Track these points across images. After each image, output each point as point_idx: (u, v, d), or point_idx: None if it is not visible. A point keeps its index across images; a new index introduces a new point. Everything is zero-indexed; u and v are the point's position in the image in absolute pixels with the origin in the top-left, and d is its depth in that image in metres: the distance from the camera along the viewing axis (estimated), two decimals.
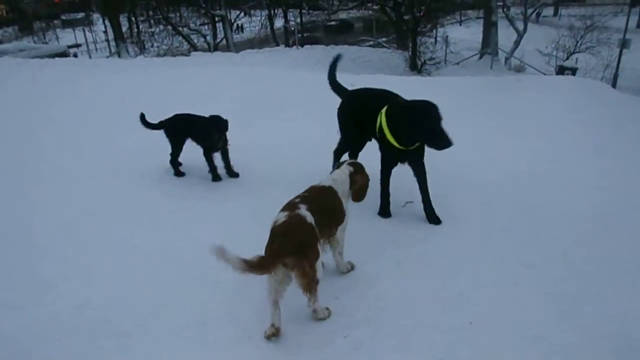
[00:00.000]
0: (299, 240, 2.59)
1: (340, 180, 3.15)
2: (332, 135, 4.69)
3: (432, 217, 4.05)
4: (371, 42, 28.00)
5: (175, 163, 5.05)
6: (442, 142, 3.54)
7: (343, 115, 4.57)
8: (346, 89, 4.71)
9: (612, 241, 3.82)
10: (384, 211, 4.18)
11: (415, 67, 20.07)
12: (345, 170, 3.23)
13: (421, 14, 20.63)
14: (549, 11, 40.83)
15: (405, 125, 3.66)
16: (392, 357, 2.62)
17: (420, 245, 3.71)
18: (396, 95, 4.13)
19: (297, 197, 2.93)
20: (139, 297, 3.12)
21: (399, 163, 4.01)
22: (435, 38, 24.19)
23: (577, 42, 23.29)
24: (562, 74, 18.17)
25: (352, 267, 3.35)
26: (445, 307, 3.00)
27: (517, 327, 2.83)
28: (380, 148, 4.06)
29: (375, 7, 26.37)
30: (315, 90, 8.66)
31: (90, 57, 24.18)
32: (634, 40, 20.09)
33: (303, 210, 2.75)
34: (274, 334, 2.69)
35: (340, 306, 2.96)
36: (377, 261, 3.47)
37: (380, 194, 4.14)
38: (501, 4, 25.33)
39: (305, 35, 32.98)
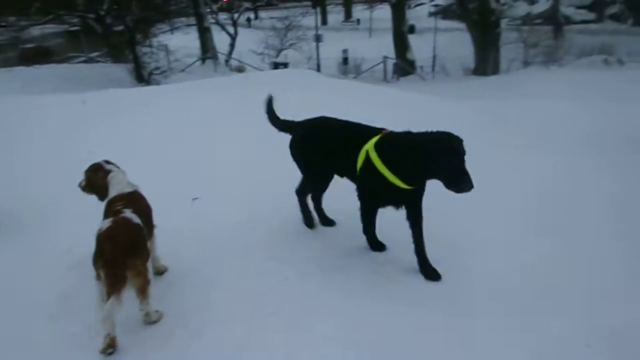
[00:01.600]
0: (130, 241, 2.49)
1: (130, 181, 3.08)
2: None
3: (429, 272, 3.30)
4: (83, 58, 25.66)
5: None
6: (465, 183, 2.94)
7: (303, 152, 3.76)
8: (294, 122, 3.88)
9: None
10: (379, 245, 3.61)
11: (142, 78, 19.44)
12: (117, 169, 3.13)
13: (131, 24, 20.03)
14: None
15: (418, 160, 3.02)
16: (235, 330, 2.75)
17: (212, 231, 3.89)
18: (366, 125, 3.50)
19: (116, 204, 2.77)
20: None
21: (392, 206, 3.36)
22: (151, 46, 23.77)
23: (282, 40, 26.67)
24: (277, 68, 20.64)
25: (166, 269, 3.31)
26: (256, 275, 3.30)
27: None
28: (364, 187, 3.41)
29: (75, 20, 24.10)
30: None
31: None
32: (324, 34, 24.34)
33: (128, 213, 2.65)
34: (110, 345, 2.48)
35: (167, 305, 2.92)
36: (185, 257, 3.51)
37: (367, 240, 3.60)
38: (210, 10, 26.72)
39: (32, 45, 27.82)
